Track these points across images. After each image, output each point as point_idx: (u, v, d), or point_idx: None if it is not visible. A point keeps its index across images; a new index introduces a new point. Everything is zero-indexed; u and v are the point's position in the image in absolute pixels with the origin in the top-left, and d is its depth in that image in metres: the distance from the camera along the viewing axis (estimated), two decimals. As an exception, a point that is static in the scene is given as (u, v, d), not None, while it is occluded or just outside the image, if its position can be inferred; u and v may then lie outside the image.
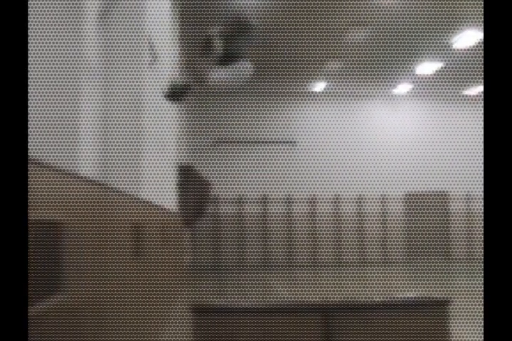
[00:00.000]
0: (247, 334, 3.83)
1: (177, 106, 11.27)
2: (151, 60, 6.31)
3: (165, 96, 6.27)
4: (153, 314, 5.59)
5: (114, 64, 4.10)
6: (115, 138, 3.93)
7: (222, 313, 3.86)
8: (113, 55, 4.06)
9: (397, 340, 3.87)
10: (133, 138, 4.65)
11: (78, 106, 3.08)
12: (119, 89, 4.14)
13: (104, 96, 3.60)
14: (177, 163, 11.11)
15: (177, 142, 11.23)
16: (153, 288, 5.72)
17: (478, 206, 17.86)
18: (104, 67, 3.77)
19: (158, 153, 7.16)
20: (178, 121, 11.54)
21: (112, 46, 4.27)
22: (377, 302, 4.11)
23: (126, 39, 4.71)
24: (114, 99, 3.97)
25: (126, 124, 4.20)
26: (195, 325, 3.85)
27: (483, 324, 6.91)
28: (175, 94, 6.15)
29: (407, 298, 4.36)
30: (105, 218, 3.37)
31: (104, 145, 3.52)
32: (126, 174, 4.21)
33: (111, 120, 3.82)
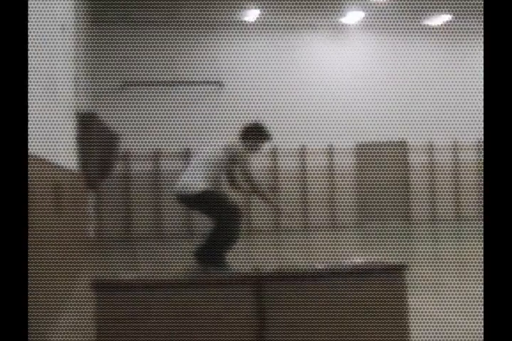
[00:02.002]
0: (162, 313, 3.80)
1: (75, 40, 10.93)
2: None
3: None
4: (47, 293, 5.51)
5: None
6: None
7: (129, 289, 3.81)
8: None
9: (345, 312, 3.92)
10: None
11: None
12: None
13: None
14: (76, 111, 10.86)
15: (76, 84, 10.94)
16: (46, 263, 5.62)
17: (442, 157, 18.30)
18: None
19: (50, 97, 6.93)
20: (76, 58, 11.22)
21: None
22: (319, 270, 4.15)
23: None
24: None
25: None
26: (97, 303, 3.81)
27: (441, 291, 7.15)
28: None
29: (355, 264, 4.41)
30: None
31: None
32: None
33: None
